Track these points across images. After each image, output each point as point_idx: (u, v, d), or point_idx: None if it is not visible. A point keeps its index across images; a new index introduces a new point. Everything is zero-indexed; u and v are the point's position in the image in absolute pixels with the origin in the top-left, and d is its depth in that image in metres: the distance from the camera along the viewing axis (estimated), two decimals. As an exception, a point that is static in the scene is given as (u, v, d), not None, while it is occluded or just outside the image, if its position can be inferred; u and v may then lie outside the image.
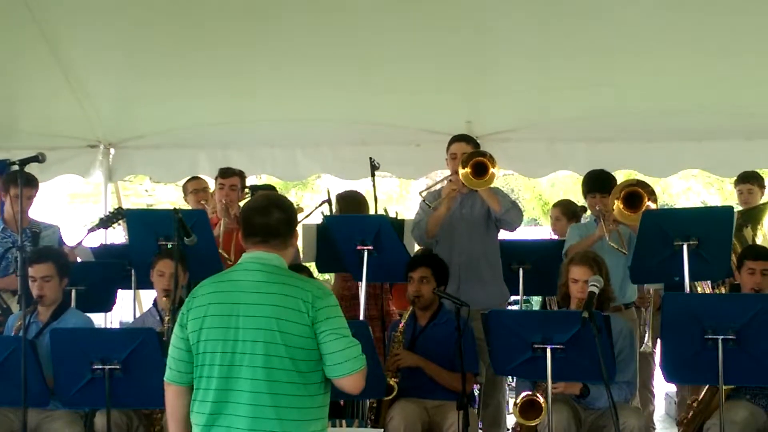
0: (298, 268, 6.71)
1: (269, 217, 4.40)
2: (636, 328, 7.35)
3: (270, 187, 8.94)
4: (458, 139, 7.46)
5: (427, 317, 6.80)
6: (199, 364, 4.34)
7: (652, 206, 6.94)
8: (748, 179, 8.28)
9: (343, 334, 4.32)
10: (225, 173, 8.17)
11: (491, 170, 6.92)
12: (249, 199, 7.93)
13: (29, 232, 7.56)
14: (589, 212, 8.05)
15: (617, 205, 7.02)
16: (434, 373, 6.58)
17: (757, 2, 7.41)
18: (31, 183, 7.63)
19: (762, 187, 8.21)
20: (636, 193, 7.00)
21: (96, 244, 8.53)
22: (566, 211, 9.07)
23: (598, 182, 7.52)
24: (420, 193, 7.62)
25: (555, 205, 9.34)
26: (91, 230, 8.00)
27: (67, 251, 7.56)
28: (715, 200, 21.36)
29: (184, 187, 8.91)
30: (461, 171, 6.94)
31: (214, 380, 4.28)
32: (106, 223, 7.94)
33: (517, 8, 7.78)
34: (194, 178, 8.87)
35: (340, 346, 4.29)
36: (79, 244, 7.86)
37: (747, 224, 7.69)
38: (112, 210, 8.44)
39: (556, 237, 8.75)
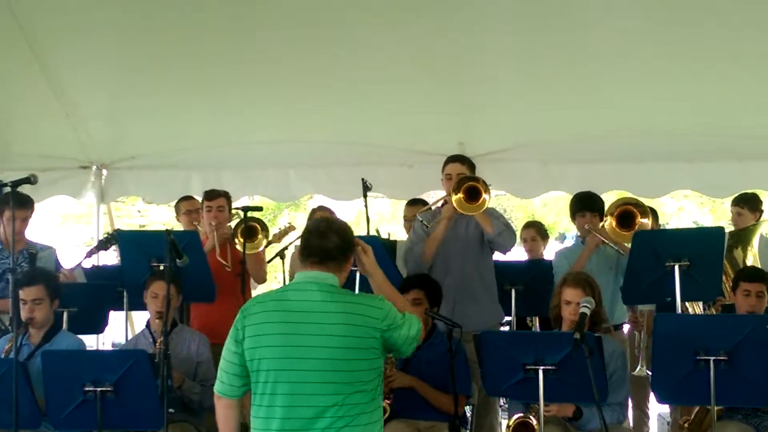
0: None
1: (328, 241, 4.57)
2: (626, 350, 7.35)
3: (260, 209, 8.94)
4: (453, 159, 7.48)
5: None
6: (260, 381, 4.46)
7: (645, 222, 6.96)
8: (738, 202, 8.32)
9: (401, 323, 4.62)
10: (211, 195, 8.16)
11: (483, 196, 6.95)
12: (310, 221, 7.91)
13: (26, 253, 7.56)
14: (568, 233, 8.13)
15: (611, 222, 7.05)
16: (427, 394, 6.56)
17: (749, 26, 7.43)
18: (26, 204, 7.60)
19: (754, 210, 8.21)
20: (629, 212, 7.03)
21: (88, 266, 8.49)
22: (540, 231, 9.37)
23: (586, 202, 7.58)
24: (417, 214, 7.62)
25: (529, 226, 9.48)
26: (90, 252, 7.97)
27: (66, 273, 7.55)
28: (708, 220, 21.41)
29: (177, 206, 8.90)
30: (453, 196, 6.98)
31: (281, 397, 4.40)
32: (104, 245, 7.91)
33: (510, 30, 7.78)
34: (187, 198, 8.84)
35: (405, 332, 4.63)
36: (79, 265, 7.84)
37: (737, 245, 7.71)
38: (110, 232, 8.44)
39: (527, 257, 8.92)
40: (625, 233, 7.04)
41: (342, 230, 4.67)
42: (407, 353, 4.68)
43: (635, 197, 7.97)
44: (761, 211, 8.30)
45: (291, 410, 4.37)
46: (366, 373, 4.45)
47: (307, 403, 4.36)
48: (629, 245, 6.98)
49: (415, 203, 8.69)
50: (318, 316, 4.41)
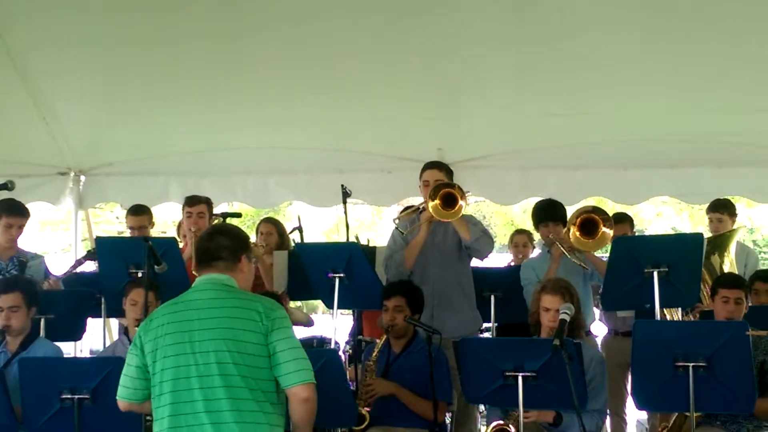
0: (269, 295, 6.68)
1: (212, 242, 4.67)
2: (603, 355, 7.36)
3: (239, 215, 8.94)
4: (431, 166, 7.50)
5: (401, 345, 6.78)
6: (156, 382, 4.51)
7: (608, 232, 6.98)
8: (718, 208, 8.32)
9: (295, 345, 4.53)
10: (191, 201, 8.16)
11: (460, 202, 6.97)
12: None
13: (16, 261, 7.53)
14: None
15: (573, 232, 7.05)
16: (408, 400, 6.55)
17: (728, 33, 7.47)
18: (22, 212, 7.63)
19: (732, 215, 8.26)
20: (591, 220, 7.04)
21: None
22: (531, 238, 9.48)
23: (548, 211, 7.53)
24: (394, 220, 7.63)
25: (521, 232, 9.60)
26: (80, 261, 7.92)
27: (52, 281, 7.51)
28: (686, 226, 21.47)
29: (128, 219, 8.83)
30: (430, 203, 6.99)
31: (168, 395, 4.45)
32: (93, 255, 7.86)
33: (490, 36, 7.80)
34: (136, 212, 8.72)
35: (293, 356, 4.48)
36: (66, 273, 7.79)
37: (714, 252, 7.72)
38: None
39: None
40: (588, 241, 7.05)
41: (228, 231, 4.82)
42: (281, 382, 4.49)
43: (594, 205, 7.99)
44: (737, 216, 8.35)
45: (176, 407, 4.41)
46: (256, 370, 4.43)
47: (192, 398, 4.38)
48: (596, 253, 7.11)
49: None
50: (205, 312, 4.47)
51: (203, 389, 4.38)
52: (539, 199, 8.24)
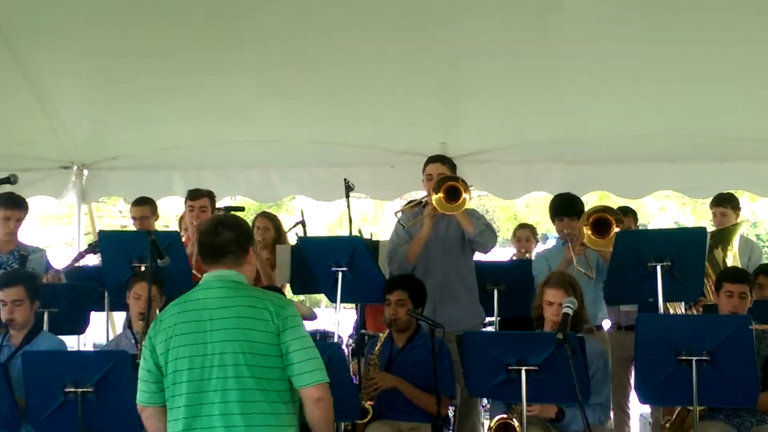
0: (272, 290, 6.68)
1: (217, 238, 4.56)
2: (608, 350, 7.36)
3: (242, 209, 8.93)
4: (434, 159, 7.49)
5: (404, 339, 6.78)
6: (170, 383, 4.44)
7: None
8: (722, 202, 8.32)
9: (308, 344, 4.47)
10: (194, 195, 8.17)
11: (463, 195, 6.96)
12: None
13: (17, 254, 7.53)
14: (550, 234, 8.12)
15: (586, 231, 7.04)
16: (411, 394, 6.55)
17: (730, 28, 7.46)
18: (21, 205, 7.62)
19: (736, 209, 8.26)
20: (604, 219, 7.03)
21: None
22: (534, 232, 9.62)
23: (565, 206, 7.54)
24: (396, 213, 7.63)
25: (525, 227, 9.68)
26: (81, 254, 7.93)
27: (53, 274, 7.51)
28: (689, 220, 21.47)
29: (131, 210, 8.86)
30: (434, 196, 6.99)
31: (184, 397, 4.38)
32: (95, 248, 7.86)
33: (492, 30, 7.79)
34: (138, 203, 8.75)
35: (306, 356, 4.42)
36: (68, 267, 7.79)
37: (718, 245, 7.72)
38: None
39: (527, 257, 8.93)
40: (600, 240, 7.04)
41: (232, 224, 4.69)
42: (294, 382, 4.43)
43: (608, 205, 7.97)
44: (740, 210, 8.35)
45: (192, 409, 4.36)
46: (268, 370, 4.38)
47: (207, 401, 4.34)
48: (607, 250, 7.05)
49: None
50: (216, 312, 4.41)
51: (218, 392, 4.32)
52: (542, 193, 8.23)
